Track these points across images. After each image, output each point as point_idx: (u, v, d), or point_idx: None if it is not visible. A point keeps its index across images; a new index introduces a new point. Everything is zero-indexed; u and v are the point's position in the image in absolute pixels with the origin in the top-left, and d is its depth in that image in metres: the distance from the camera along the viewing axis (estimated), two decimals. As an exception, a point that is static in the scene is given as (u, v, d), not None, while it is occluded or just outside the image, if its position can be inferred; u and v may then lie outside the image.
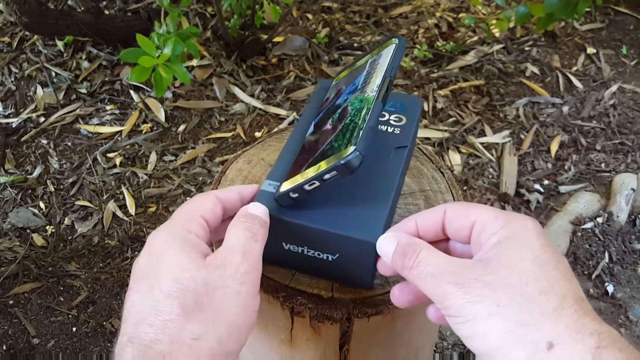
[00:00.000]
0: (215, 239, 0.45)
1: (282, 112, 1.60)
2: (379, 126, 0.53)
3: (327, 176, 0.40)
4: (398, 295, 0.42)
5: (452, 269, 0.36)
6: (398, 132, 0.53)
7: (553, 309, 0.33)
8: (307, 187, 0.42)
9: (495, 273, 0.35)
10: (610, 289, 1.23)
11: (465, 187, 1.42)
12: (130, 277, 0.39)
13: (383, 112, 0.54)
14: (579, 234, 1.31)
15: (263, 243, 0.41)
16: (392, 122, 0.54)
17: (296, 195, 0.43)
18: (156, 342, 0.34)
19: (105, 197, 1.40)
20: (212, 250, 0.40)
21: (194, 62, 1.70)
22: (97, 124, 1.57)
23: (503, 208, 1.38)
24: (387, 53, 0.48)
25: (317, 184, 0.41)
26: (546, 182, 1.46)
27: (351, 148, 0.39)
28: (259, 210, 0.43)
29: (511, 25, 1.77)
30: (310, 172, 0.42)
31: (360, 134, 0.40)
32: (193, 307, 0.35)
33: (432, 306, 0.40)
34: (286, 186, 0.44)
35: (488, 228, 0.37)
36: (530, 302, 0.33)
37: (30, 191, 1.42)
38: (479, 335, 0.34)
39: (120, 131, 1.54)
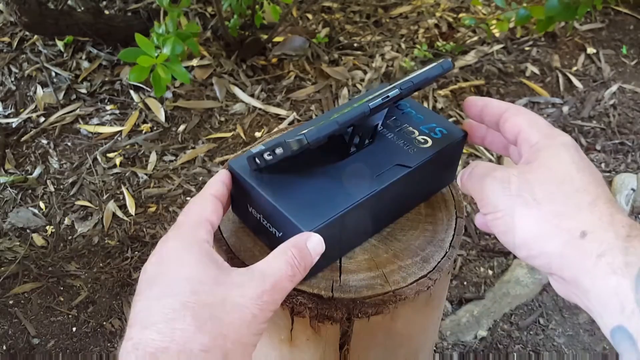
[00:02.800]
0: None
1: (282, 112, 1.59)
2: (398, 140, 0.52)
3: (277, 150, 0.43)
4: (480, 220, 0.44)
5: (497, 172, 0.39)
6: (412, 152, 0.51)
7: (587, 204, 0.35)
8: (265, 155, 0.44)
9: (534, 172, 0.38)
10: (610, 289, 1.23)
11: (465, 187, 1.42)
12: (138, 283, 0.39)
13: (413, 130, 0.53)
14: (579, 234, 1.31)
15: (296, 283, 0.41)
16: (416, 140, 0.52)
17: (259, 161, 0.45)
18: (163, 351, 0.33)
19: (105, 197, 1.40)
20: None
21: (194, 62, 1.70)
22: (97, 124, 1.57)
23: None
24: (424, 69, 0.48)
25: (271, 156, 0.44)
26: (546, 182, 1.46)
27: (302, 132, 0.41)
28: (312, 245, 0.42)
29: (511, 25, 1.77)
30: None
31: (320, 124, 0.42)
32: (206, 319, 0.35)
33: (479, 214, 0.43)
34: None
35: (531, 136, 0.40)
36: (565, 197, 0.36)
37: (30, 191, 1.42)
38: (517, 228, 0.36)
39: (120, 131, 1.54)
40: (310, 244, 0.42)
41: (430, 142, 0.52)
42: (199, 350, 0.34)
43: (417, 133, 0.53)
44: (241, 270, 0.39)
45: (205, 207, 0.44)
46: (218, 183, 0.47)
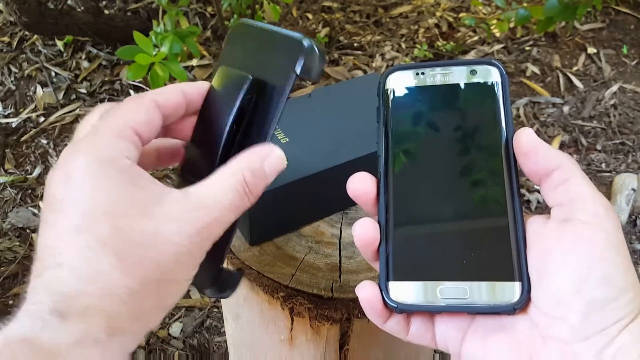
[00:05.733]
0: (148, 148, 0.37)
1: (282, 112, 1.59)
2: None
3: None
4: None
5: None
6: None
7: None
8: None
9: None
10: (610, 289, 1.23)
11: (465, 187, 1.42)
12: (43, 206, 0.32)
13: None
14: (580, 234, 1.31)
15: (242, 213, 0.33)
16: None
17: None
18: (80, 294, 0.28)
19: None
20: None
21: (194, 62, 1.70)
22: (97, 124, 1.57)
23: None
24: None
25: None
26: (547, 182, 1.46)
27: None
28: (271, 163, 0.33)
29: (511, 25, 1.77)
30: None
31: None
32: (134, 261, 0.29)
33: None
34: None
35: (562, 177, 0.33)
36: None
37: (30, 191, 1.42)
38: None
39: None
40: (268, 163, 0.33)
41: None
42: (126, 295, 0.28)
43: None
44: (176, 195, 0.31)
45: (135, 113, 0.32)
46: (173, 91, 0.35)
